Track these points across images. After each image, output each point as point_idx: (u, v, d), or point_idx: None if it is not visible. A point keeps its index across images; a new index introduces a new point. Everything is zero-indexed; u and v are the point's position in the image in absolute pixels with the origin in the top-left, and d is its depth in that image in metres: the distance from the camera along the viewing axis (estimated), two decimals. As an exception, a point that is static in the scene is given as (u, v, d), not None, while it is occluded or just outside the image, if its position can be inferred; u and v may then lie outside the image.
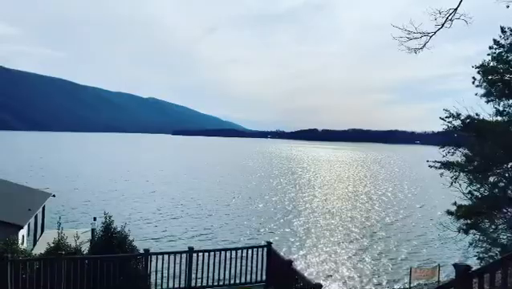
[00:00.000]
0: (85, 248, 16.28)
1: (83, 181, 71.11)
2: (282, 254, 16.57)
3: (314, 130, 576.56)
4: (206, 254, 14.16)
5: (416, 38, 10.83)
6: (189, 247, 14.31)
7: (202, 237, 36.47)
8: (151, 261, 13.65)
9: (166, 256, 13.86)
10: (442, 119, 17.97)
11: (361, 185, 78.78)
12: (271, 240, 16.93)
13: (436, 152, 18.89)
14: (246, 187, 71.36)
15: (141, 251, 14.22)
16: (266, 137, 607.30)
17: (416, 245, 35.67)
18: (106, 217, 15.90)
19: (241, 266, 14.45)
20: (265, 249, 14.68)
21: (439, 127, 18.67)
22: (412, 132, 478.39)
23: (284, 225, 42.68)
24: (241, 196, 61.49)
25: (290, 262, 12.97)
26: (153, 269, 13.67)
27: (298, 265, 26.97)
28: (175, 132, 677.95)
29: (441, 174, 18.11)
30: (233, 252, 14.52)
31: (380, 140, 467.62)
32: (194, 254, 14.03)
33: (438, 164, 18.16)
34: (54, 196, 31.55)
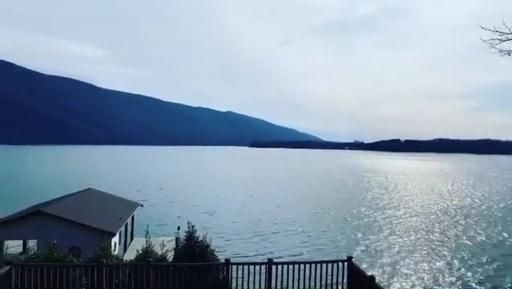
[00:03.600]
0: (170, 256, 17.07)
1: (168, 193, 75.12)
2: (363, 269, 15.93)
3: (396, 140, 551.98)
4: (286, 266, 14.10)
5: (509, 40, 9.96)
6: (269, 259, 14.37)
7: (281, 249, 36.34)
8: (231, 271, 13.91)
9: (246, 266, 14.03)
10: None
11: (452, 200, 73.02)
12: (352, 254, 16.37)
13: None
14: (327, 200, 69.97)
15: (222, 261, 14.56)
16: (344, 148, 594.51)
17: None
18: (189, 227, 16.59)
19: (320, 279, 14.16)
20: (345, 263, 14.26)
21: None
22: (508, 142, 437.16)
23: (365, 239, 41.06)
24: (322, 209, 60.39)
25: (372, 278, 12.43)
26: (233, 279, 13.92)
27: (381, 282, 25.71)
28: (252, 145, 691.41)
29: None
30: (313, 265, 14.28)
31: (471, 151, 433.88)
32: (274, 266, 14.04)
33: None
34: (142, 206, 33.79)
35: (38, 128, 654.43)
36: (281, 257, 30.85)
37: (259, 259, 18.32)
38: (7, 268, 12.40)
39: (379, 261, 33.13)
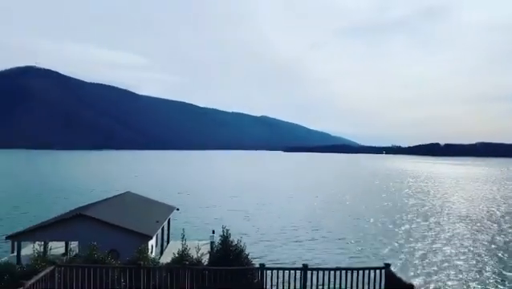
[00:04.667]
0: (205, 259, 17.22)
1: (204, 197, 76.04)
2: (401, 277, 15.43)
3: (436, 144, 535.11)
4: (321, 272, 13.89)
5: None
6: (304, 264, 14.20)
7: (317, 255, 35.82)
8: (266, 275, 13.84)
9: (281, 272, 13.93)
10: None
11: (499, 207, 69.44)
12: (390, 262, 15.91)
13: None
14: (366, 206, 68.46)
15: (256, 265, 14.52)
16: (381, 153, 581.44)
17: None
18: (223, 231, 16.68)
19: (356, 286, 13.84)
20: (383, 271, 13.87)
21: None
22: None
23: (405, 246, 39.81)
24: (360, 215, 59.09)
25: (411, 286, 12.02)
26: (267, 283, 13.84)
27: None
28: (286, 149, 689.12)
29: None
30: (349, 272, 13.98)
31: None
32: (309, 272, 13.86)
33: None
34: (178, 209, 34.32)
35: (81, 134, 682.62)
36: (316, 263, 30.42)
37: (294, 265, 18.13)
38: (51, 268, 12.91)
39: (419, 269, 32.02)
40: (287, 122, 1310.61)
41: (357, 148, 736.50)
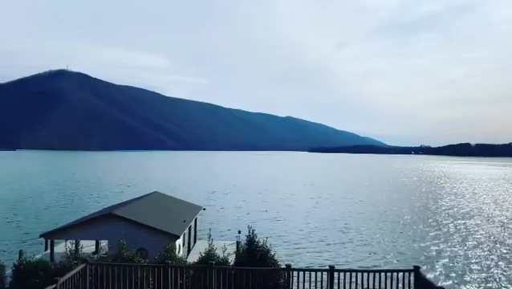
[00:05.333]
0: (231, 259, 17.31)
1: (230, 197, 76.50)
2: (431, 280, 15.07)
3: (467, 144, 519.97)
4: (348, 274, 13.72)
5: None
6: (330, 266, 14.06)
7: (345, 257, 35.34)
8: (292, 276, 13.79)
9: (307, 273, 13.85)
10: None
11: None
12: (420, 264, 15.57)
13: None
14: (396, 207, 66.92)
15: (283, 266, 14.49)
16: (410, 153, 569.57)
17: None
18: (250, 231, 16.73)
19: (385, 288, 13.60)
20: (412, 273, 13.58)
21: None
22: None
23: (436, 249, 38.75)
24: (390, 217, 57.84)
25: (442, 290, 11.72)
26: (294, 284, 13.78)
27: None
28: (312, 150, 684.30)
29: None
30: (376, 274, 13.75)
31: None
32: (336, 273, 13.72)
33: None
34: (204, 209, 34.65)
35: (112, 135, 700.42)
36: (343, 265, 30.05)
37: (321, 267, 17.99)
38: (83, 266, 13.28)
39: (449, 272, 31.14)
40: (313, 122, 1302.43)
41: (386, 148, 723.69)
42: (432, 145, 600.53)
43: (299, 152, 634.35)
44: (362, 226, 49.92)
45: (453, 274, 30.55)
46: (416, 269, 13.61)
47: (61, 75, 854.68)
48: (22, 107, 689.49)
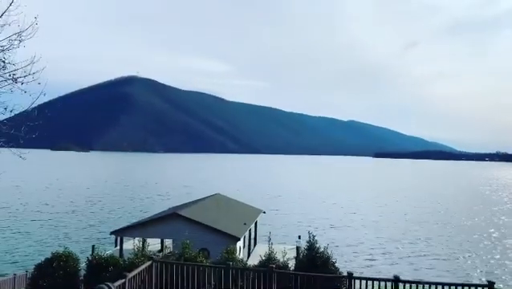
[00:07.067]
0: (291, 264, 17.15)
1: (292, 202, 76.16)
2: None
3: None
4: (414, 285, 13.01)
5: None
6: (395, 276, 13.44)
7: (411, 268, 33.57)
8: (354, 285, 13.36)
9: (370, 282, 13.34)
10: None
11: None
12: (495, 279, 14.40)
13: None
14: (472, 219, 62.67)
15: (344, 274, 14.11)
16: (484, 160, 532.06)
17: None
18: (310, 237, 16.49)
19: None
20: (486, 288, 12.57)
21: None
22: None
23: (509, 264, 35.85)
24: (465, 229, 54.32)
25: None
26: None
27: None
28: (376, 155, 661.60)
29: None
30: (446, 287, 12.90)
31: None
32: (400, 284, 13.08)
33: None
34: (264, 212, 34.80)
35: (177, 137, 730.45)
36: (407, 276, 28.64)
37: (384, 276, 17.28)
38: (149, 263, 13.88)
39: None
40: (377, 126, 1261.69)
41: (456, 154, 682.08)
42: (509, 151, 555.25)
43: (363, 158, 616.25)
44: (433, 238, 47.18)
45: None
46: (491, 284, 12.58)
47: (131, 80, 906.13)
48: (96, 112, 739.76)
